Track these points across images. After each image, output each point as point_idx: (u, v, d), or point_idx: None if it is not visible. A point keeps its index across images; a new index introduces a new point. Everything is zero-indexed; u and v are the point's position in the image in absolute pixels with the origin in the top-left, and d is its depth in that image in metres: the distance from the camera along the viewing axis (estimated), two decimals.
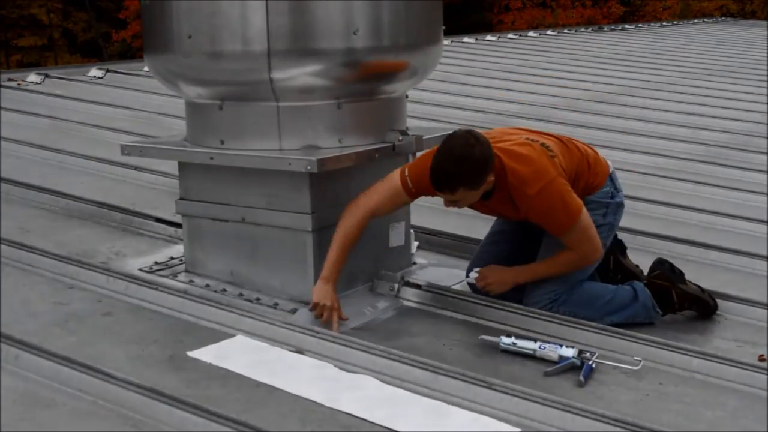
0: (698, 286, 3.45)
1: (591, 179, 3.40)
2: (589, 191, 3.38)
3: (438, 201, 4.84)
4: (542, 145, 3.29)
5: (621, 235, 3.67)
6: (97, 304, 3.29)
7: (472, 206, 3.39)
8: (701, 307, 3.42)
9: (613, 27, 18.85)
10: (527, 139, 3.32)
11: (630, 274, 3.56)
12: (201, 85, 3.39)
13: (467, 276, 3.46)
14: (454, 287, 3.58)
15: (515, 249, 3.53)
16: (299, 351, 2.89)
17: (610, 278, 3.53)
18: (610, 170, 3.48)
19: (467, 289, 3.59)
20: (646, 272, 3.53)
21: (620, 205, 3.47)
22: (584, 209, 3.22)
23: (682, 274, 3.45)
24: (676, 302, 3.39)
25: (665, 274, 3.42)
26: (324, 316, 3.16)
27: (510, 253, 3.51)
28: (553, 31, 16.30)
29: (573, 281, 3.33)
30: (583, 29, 17.06)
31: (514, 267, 3.39)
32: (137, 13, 20.00)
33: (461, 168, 3.09)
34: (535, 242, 3.42)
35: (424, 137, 3.45)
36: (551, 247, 3.34)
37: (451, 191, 3.15)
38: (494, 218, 3.65)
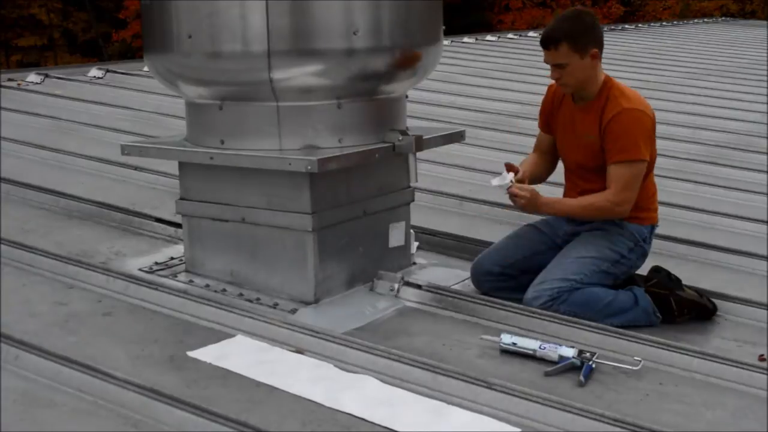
0: (696, 291, 3.45)
1: (644, 207, 3.49)
2: (633, 217, 3.45)
3: (438, 201, 4.86)
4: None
5: None
6: (97, 304, 3.29)
7: (554, 114, 3.57)
8: (700, 312, 3.42)
9: (613, 27, 18.84)
10: None
11: (629, 278, 3.55)
12: (201, 85, 3.39)
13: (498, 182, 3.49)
14: (454, 287, 3.59)
15: (529, 255, 3.57)
16: (299, 351, 2.89)
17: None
18: (656, 225, 3.58)
19: (467, 289, 3.59)
20: (645, 274, 3.53)
21: (644, 255, 3.54)
22: (645, 163, 3.38)
23: (679, 280, 3.46)
24: (675, 309, 3.39)
25: (662, 281, 3.43)
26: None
27: (524, 259, 3.57)
28: None
29: (578, 282, 3.33)
30: None
31: (546, 197, 3.48)
32: (137, 13, 19.99)
33: (567, 23, 3.40)
34: (550, 256, 3.49)
35: (424, 137, 3.45)
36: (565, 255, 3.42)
37: (555, 46, 3.37)
38: (499, 222, 3.67)
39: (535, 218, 3.77)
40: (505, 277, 3.55)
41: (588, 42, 3.38)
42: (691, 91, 9.38)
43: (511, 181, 3.44)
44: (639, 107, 3.40)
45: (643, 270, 3.55)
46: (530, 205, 3.44)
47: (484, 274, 3.58)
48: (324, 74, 3.26)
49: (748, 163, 6.20)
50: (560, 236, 3.57)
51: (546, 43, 3.41)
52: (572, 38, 3.36)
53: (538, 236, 3.62)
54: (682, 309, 3.40)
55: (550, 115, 3.65)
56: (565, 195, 3.64)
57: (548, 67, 3.46)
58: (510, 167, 3.52)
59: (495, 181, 3.48)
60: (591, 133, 3.43)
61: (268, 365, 2.77)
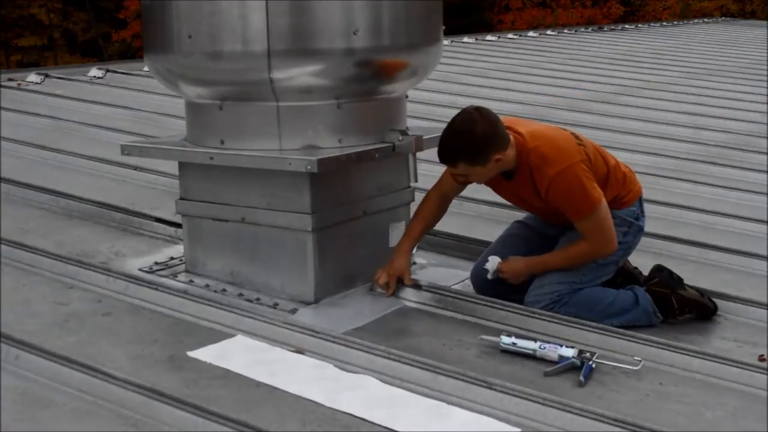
0: (697, 290, 3.45)
1: (623, 194, 3.45)
2: (617, 206, 3.41)
3: None
4: (572, 133, 3.38)
5: None
6: (97, 304, 3.29)
7: (496, 190, 3.50)
8: (701, 311, 3.42)
9: (613, 27, 18.85)
10: (558, 127, 3.41)
11: (630, 276, 3.56)
12: (201, 85, 3.39)
13: (481, 266, 3.48)
14: (454, 287, 3.59)
15: (525, 253, 3.53)
16: (299, 351, 2.89)
17: (611, 281, 3.53)
18: (641, 194, 3.53)
19: (467, 289, 3.59)
20: (646, 273, 3.53)
21: (641, 230, 3.52)
22: (604, 201, 3.27)
23: (680, 279, 3.46)
24: (676, 308, 3.39)
25: (664, 280, 3.42)
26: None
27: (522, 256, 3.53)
28: (553, 31, 16.29)
29: (577, 283, 3.33)
30: (583, 29, 17.06)
31: (528, 257, 3.42)
32: (137, 13, 19.99)
33: (459, 142, 3.19)
34: (545, 249, 3.46)
35: (424, 137, 3.45)
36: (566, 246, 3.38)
37: (453, 165, 3.26)
38: (498, 222, 3.66)
39: (523, 214, 3.74)
40: (504, 280, 3.53)
41: (486, 153, 3.18)
42: (691, 91, 9.38)
43: (499, 266, 3.43)
44: (564, 165, 3.20)
45: (645, 269, 3.55)
46: (515, 276, 3.41)
47: (482, 281, 3.53)
48: (324, 74, 3.26)
49: (748, 163, 6.19)
50: (553, 226, 3.52)
51: (442, 161, 3.26)
52: (468, 157, 3.18)
53: (529, 232, 3.59)
54: (683, 308, 3.40)
55: (491, 185, 3.51)
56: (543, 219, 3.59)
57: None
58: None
59: (489, 275, 3.45)
60: (536, 201, 3.36)
61: (268, 365, 2.77)
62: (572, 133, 3.41)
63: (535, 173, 3.25)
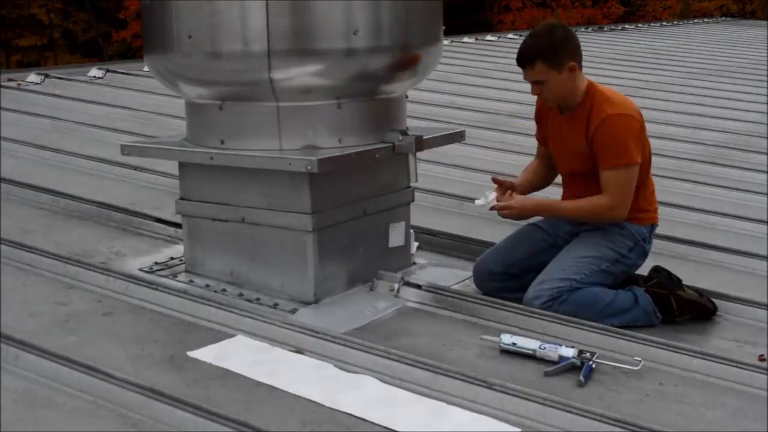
0: (696, 291, 3.45)
1: (643, 208, 3.49)
2: (632, 218, 3.45)
3: (438, 201, 4.86)
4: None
5: None
6: (97, 304, 3.29)
7: (543, 124, 3.59)
8: (701, 312, 3.42)
9: (613, 27, 18.85)
10: None
11: (629, 278, 3.55)
12: (201, 85, 3.39)
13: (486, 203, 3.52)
14: (454, 287, 3.59)
15: (531, 254, 3.57)
16: (299, 351, 2.89)
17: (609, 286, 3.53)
18: (656, 224, 3.58)
19: (467, 289, 3.59)
20: (646, 274, 3.53)
21: (645, 254, 3.54)
22: (638, 166, 3.36)
23: (679, 280, 3.46)
24: (675, 309, 3.39)
25: (663, 281, 3.43)
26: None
27: (526, 257, 3.56)
28: None
29: (578, 282, 3.33)
30: (583, 29, 17.06)
31: (536, 200, 3.51)
32: (137, 13, 19.98)
33: (539, 41, 3.38)
34: (551, 254, 3.49)
35: (424, 137, 3.45)
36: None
37: (530, 64, 3.37)
38: (499, 222, 3.67)
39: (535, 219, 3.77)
40: (507, 277, 3.56)
41: (563, 57, 3.36)
42: (691, 91, 9.38)
43: (495, 200, 3.47)
44: (624, 111, 3.39)
45: (644, 270, 3.55)
46: (520, 213, 3.46)
47: (486, 273, 3.58)
48: (324, 74, 3.26)
49: (748, 163, 6.20)
50: (561, 235, 3.58)
51: (521, 62, 3.41)
52: (546, 56, 3.35)
53: (540, 234, 3.62)
54: (682, 309, 3.40)
55: (541, 125, 3.66)
56: (563, 200, 3.64)
57: None
58: (496, 181, 3.56)
59: (480, 202, 3.50)
60: (579, 142, 3.43)
61: (268, 365, 2.77)
62: (641, 113, 3.51)
63: (594, 110, 3.38)
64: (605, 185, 3.36)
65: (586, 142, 3.39)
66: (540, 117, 3.67)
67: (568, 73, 3.38)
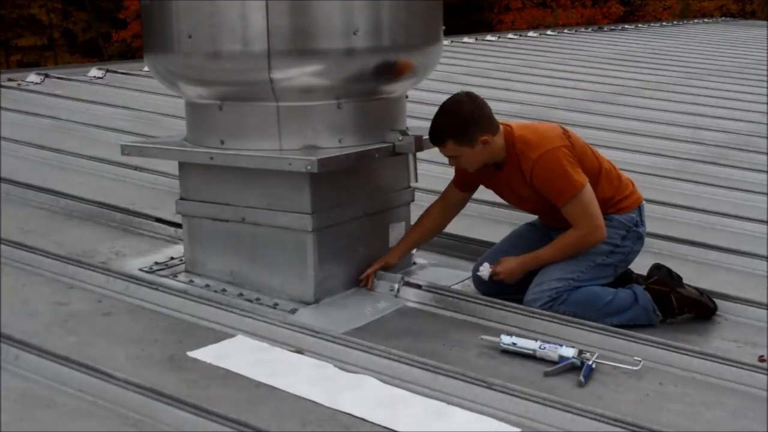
0: (697, 289, 3.45)
1: (618, 198, 3.48)
2: (615, 210, 3.46)
3: None
4: (562, 127, 3.48)
5: None
6: (97, 304, 3.29)
7: (489, 185, 3.56)
8: (701, 310, 3.42)
9: (613, 27, 18.84)
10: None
11: (628, 276, 3.55)
12: (201, 85, 3.39)
13: (476, 270, 3.51)
14: (454, 287, 3.59)
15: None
16: (299, 351, 2.89)
17: (610, 284, 3.52)
18: (642, 203, 3.56)
19: (467, 289, 3.59)
20: (646, 271, 3.53)
21: (640, 237, 3.53)
22: (588, 186, 3.34)
23: (680, 278, 3.46)
24: (675, 307, 3.39)
25: (663, 279, 3.42)
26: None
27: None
28: (553, 31, 16.28)
29: (576, 281, 3.33)
30: (583, 29, 17.05)
31: (520, 256, 3.46)
32: (137, 13, 19.98)
33: (447, 120, 3.32)
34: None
35: (424, 137, 3.45)
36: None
37: (442, 144, 3.35)
38: (499, 222, 3.66)
39: (532, 217, 3.76)
40: None
41: (473, 133, 3.30)
42: (691, 91, 9.38)
43: (491, 270, 3.46)
44: (546, 148, 3.32)
45: (644, 268, 3.55)
46: (510, 275, 3.43)
47: (484, 285, 3.55)
48: (324, 74, 3.26)
49: (748, 163, 6.20)
50: (557, 235, 3.55)
51: (432, 141, 3.38)
52: (455, 135, 3.30)
53: (537, 234, 3.62)
54: (682, 306, 3.40)
55: (475, 178, 3.57)
56: (543, 224, 3.64)
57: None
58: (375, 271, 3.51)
59: (484, 276, 3.48)
60: (526, 191, 3.43)
61: (268, 365, 2.77)
62: (561, 127, 3.50)
63: (521, 159, 3.36)
64: (570, 219, 3.36)
65: (531, 189, 3.39)
66: (472, 174, 3.53)
67: (481, 146, 3.33)
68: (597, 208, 3.35)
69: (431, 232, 3.67)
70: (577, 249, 3.39)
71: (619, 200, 3.48)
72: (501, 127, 3.39)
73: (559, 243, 3.41)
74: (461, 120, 3.30)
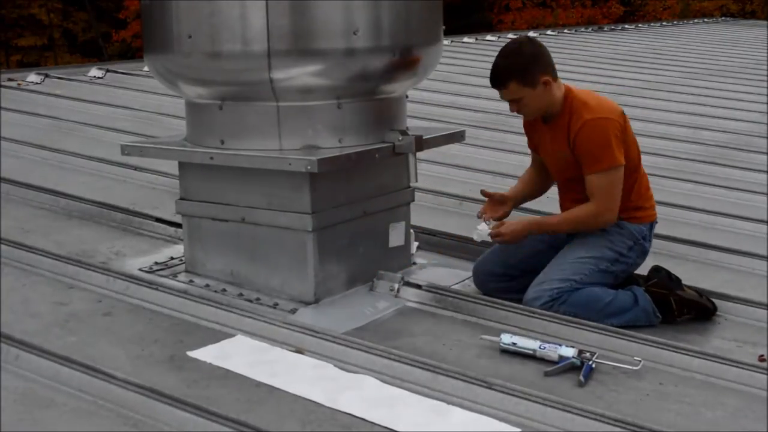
0: (696, 291, 3.45)
1: (639, 206, 3.50)
2: (630, 218, 3.45)
3: (438, 201, 4.86)
4: (623, 112, 3.50)
5: None
6: (97, 304, 3.29)
7: (531, 135, 3.61)
8: (700, 312, 3.42)
9: (613, 27, 18.84)
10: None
11: (629, 277, 3.55)
12: (201, 85, 3.39)
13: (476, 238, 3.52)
14: (454, 287, 3.59)
15: (531, 255, 3.57)
16: (299, 351, 2.89)
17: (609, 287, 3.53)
18: (655, 221, 3.58)
19: (467, 289, 3.59)
20: (645, 273, 3.53)
21: (645, 253, 3.54)
22: (622, 169, 3.36)
23: (679, 280, 3.46)
24: (675, 309, 3.39)
25: (662, 281, 3.42)
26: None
27: (526, 258, 3.56)
28: (553, 31, 16.30)
29: (577, 283, 3.33)
30: (583, 29, 17.05)
31: (526, 217, 3.49)
32: (137, 13, 19.98)
33: (509, 61, 3.38)
34: (551, 255, 3.49)
35: (424, 137, 3.45)
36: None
37: (504, 86, 3.39)
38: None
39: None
40: (507, 278, 3.56)
41: (535, 73, 3.36)
42: (691, 91, 9.37)
43: (489, 227, 3.48)
44: (602, 115, 3.37)
45: (643, 269, 3.55)
46: (512, 238, 3.45)
47: (486, 274, 3.59)
48: (324, 74, 3.26)
49: (748, 163, 6.20)
50: (561, 236, 3.57)
51: (494, 84, 3.43)
52: (518, 75, 3.35)
53: (540, 235, 3.62)
54: (682, 309, 3.40)
55: (530, 135, 3.67)
56: (560, 204, 3.65)
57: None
58: (486, 194, 3.61)
59: (477, 237, 3.51)
60: (563, 150, 3.44)
61: (268, 365, 2.77)
62: (622, 110, 3.51)
63: (573, 116, 3.38)
64: (590, 191, 3.37)
65: (568, 149, 3.41)
66: (528, 127, 3.68)
67: (542, 88, 3.38)
68: (620, 193, 3.36)
69: (533, 190, 3.74)
70: (584, 225, 3.40)
71: (636, 208, 3.48)
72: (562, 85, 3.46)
73: (568, 214, 3.44)
74: (524, 60, 3.37)
